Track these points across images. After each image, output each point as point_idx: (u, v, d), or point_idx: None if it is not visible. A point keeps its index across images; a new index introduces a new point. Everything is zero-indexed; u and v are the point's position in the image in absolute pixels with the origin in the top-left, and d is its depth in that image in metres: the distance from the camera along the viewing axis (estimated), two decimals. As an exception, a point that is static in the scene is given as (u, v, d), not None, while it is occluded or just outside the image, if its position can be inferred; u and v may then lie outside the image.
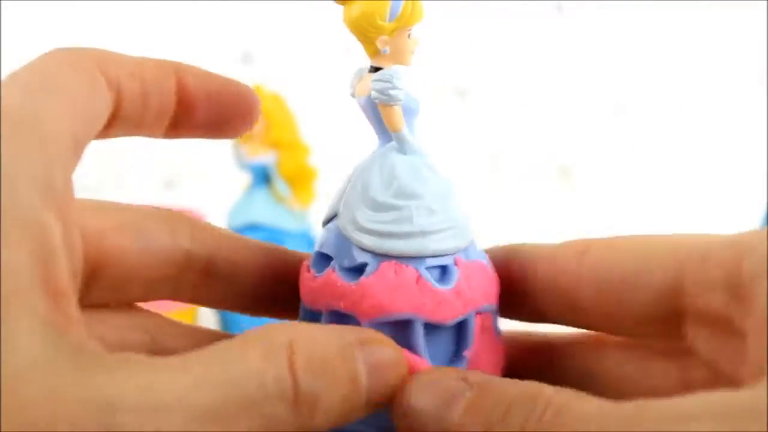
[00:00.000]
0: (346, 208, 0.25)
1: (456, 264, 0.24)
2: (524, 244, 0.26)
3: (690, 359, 0.23)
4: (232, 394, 0.17)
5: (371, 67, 0.26)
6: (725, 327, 0.21)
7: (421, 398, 0.21)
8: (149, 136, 0.25)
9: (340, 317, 0.24)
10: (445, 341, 0.24)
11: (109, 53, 0.24)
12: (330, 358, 0.20)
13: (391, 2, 0.25)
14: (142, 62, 0.24)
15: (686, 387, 0.23)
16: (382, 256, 0.24)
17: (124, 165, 1.07)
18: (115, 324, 0.25)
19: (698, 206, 1.04)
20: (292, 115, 0.72)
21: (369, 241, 0.24)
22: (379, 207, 0.24)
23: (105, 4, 1.05)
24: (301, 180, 0.71)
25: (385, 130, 0.26)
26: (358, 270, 0.24)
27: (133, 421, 0.16)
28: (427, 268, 0.24)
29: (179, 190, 1.06)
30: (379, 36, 0.25)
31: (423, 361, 0.23)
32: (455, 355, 0.24)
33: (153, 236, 0.25)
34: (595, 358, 0.25)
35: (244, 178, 0.74)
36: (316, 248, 0.26)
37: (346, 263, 0.24)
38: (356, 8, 0.25)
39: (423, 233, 0.24)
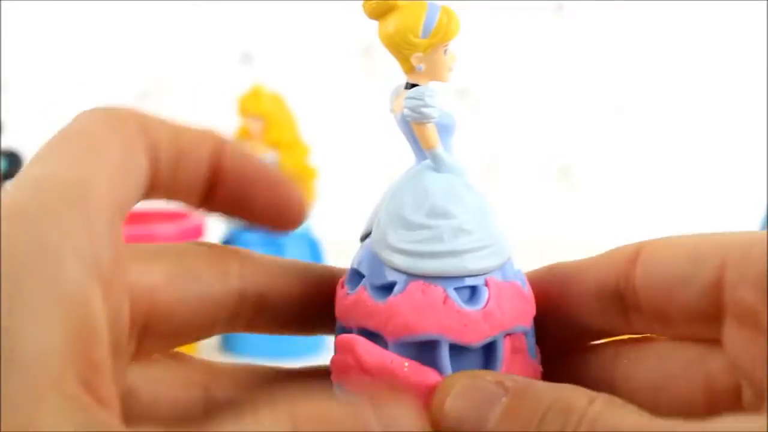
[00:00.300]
0: (378, 227, 0.25)
1: (486, 284, 0.24)
2: (563, 262, 0.26)
3: (714, 364, 0.23)
4: None
5: (407, 83, 0.25)
6: (755, 324, 0.21)
7: (457, 403, 0.21)
8: (187, 205, 0.25)
9: (370, 335, 0.24)
10: (472, 363, 0.24)
11: (150, 117, 0.23)
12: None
13: (425, 18, 0.24)
14: (182, 129, 0.24)
15: (709, 394, 0.23)
16: (412, 276, 0.24)
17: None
18: (167, 382, 0.25)
19: (698, 206, 1.04)
20: (292, 115, 0.72)
21: (399, 261, 0.24)
22: (410, 226, 0.24)
23: (105, 4, 1.05)
24: (301, 180, 0.71)
25: (420, 147, 0.25)
26: (388, 289, 0.24)
27: None
28: (457, 289, 0.24)
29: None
30: (413, 53, 0.24)
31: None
32: None
33: (205, 283, 0.25)
34: (615, 359, 0.25)
35: (244, 178, 0.73)
36: (352, 265, 0.26)
37: (377, 282, 0.24)
38: (391, 25, 0.24)
39: (453, 253, 0.24)
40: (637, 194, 1.08)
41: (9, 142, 0.66)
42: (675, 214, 1.04)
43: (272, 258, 0.27)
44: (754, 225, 0.70)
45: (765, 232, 0.22)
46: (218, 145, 0.24)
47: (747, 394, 0.22)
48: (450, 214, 0.24)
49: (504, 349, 0.24)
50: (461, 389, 0.22)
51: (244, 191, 0.25)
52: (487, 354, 0.24)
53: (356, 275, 0.25)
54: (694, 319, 0.23)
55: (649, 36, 1.09)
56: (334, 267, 0.28)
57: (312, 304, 0.27)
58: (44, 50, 1.05)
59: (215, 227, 0.76)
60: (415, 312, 0.23)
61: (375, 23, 0.25)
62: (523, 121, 1.10)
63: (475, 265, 0.24)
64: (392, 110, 0.26)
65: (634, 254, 0.24)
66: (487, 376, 0.22)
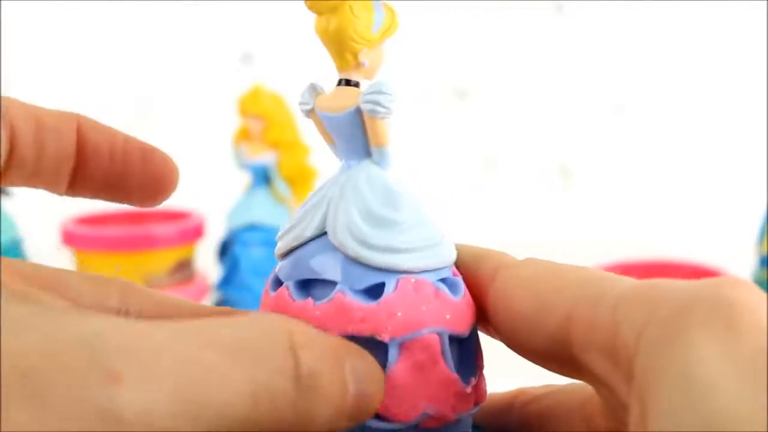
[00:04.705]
0: (342, 228, 0.24)
1: (455, 274, 0.24)
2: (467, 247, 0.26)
3: (593, 408, 0.23)
4: (240, 346, 0.17)
5: (343, 80, 0.25)
6: (610, 391, 0.20)
7: None
8: (51, 190, 0.24)
9: (357, 342, 0.23)
10: (465, 352, 0.24)
11: (3, 97, 0.23)
12: (325, 352, 0.20)
13: (375, 13, 0.24)
14: (38, 108, 0.23)
15: None
16: (397, 273, 0.23)
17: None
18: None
19: (698, 206, 1.04)
20: (292, 115, 0.72)
21: (382, 259, 0.23)
22: (388, 224, 0.23)
23: (105, 5, 1.05)
24: (301, 180, 0.71)
25: (358, 147, 0.25)
26: (372, 290, 0.23)
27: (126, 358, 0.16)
28: (438, 281, 0.24)
29: (179, 190, 1.05)
30: (363, 48, 0.24)
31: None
32: (475, 366, 0.24)
33: (74, 290, 0.22)
34: (515, 399, 0.26)
35: (244, 178, 0.74)
36: (296, 277, 0.24)
37: (358, 285, 0.23)
38: (341, 19, 0.24)
39: (434, 245, 0.24)
40: (637, 194, 1.08)
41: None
42: (675, 213, 1.04)
43: (164, 295, 0.25)
44: (754, 225, 0.70)
45: (614, 284, 0.20)
46: (82, 125, 0.24)
47: None
48: (419, 209, 0.24)
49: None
50: None
51: (114, 168, 0.24)
52: (474, 343, 0.24)
53: (315, 284, 0.24)
54: (548, 360, 0.22)
55: (649, 36, 1.09)
56: (225, 308, 0.26)
57: None
58: (45, 51, 1.05)
59: (215, 227, 0.76)
60: (413, 308, 0.23)
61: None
62: (522, 120, 1.10)
63: (450, 255, 0.24)
64: (311, 110, 0.26)
65: (491, 275, 0.24)
66: None
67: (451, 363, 0.23)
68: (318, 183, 0.74)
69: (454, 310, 0.23)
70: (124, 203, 0.25)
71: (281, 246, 0.25)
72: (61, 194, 0.25)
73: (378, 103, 0.24)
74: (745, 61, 1.07)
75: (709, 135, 1.08)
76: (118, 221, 0.75)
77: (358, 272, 0.23)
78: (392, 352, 0.23)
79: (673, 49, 1.09)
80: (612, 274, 0.21)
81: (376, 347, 0.23)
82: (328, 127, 0.25)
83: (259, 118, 0.70)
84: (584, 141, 1.10)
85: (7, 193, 0.65)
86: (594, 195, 1.09)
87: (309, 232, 0.24)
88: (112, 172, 0.24)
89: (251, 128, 0.71)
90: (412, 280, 0.23)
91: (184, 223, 0.73)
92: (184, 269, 0.71)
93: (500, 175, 1.10)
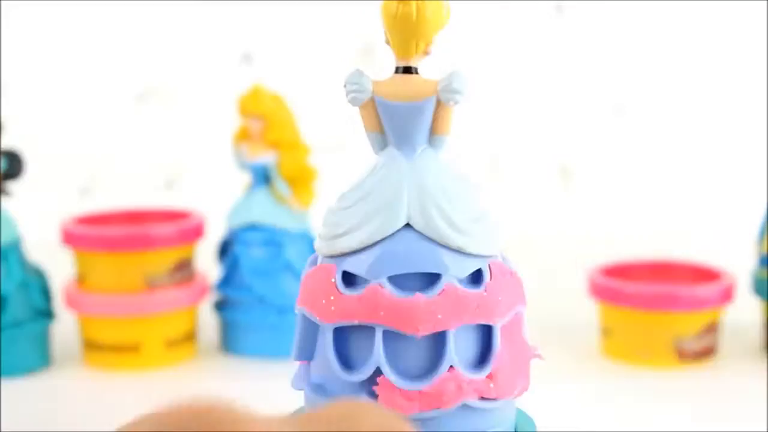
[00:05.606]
0: (438, 219, 0.23)
1: None
2: None
3: None
4: None
5: (401, 67, 0.25)
6: None
7: None
8: None
9: (464, 330, 0.23)
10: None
11: None
12: None
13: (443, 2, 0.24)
14: None
15: None
16: (487, 258, 0.24)
17: (124, 165, 1.07)
18: None
19: (699, 206, 1.04)
20: (292, 115, 0.72)
21: (477, 246, 0.24)
22: (471, 210, 0.24)
23: (105, 4, 1.05)
24: (301, 180, 0.71)
25: (417, 135, 0.24)
26: (472, 277, 0.23)
27: None
28: (504, 260, 0.24)
29: (179, 190, 1.06)
30: (436, 36, 0.25)
31: None
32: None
33: None
34: None
35: (244, 178, 0.73)
36: (390, 272, 0.23)
37: (461, 274, 0.23)
38: (427, 6, 0.24)
39: (497, 228, 0.25)
40: (638, 194, 1.08)
41: (9, 142, 0.66)
42: (675, 213, 1.04)
43: None
44: (754, 225, 0.70)
45: None
46: None
47: None
48: (480, 192, 0.25)
49: None
50: None
51: None
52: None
53: (417, 278, 0.23)
54: None
55: (649, 36, 1.09)
56: None
57: None
58: (44, 51, 1.05)
59: (215, 227, 0.76)
60: (506, 289, 0.24)
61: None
62: (523, 120, 1.10)
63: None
64: (365, 97, 0.25)
65: None
66: None
67: (527, 336, 0.24)
68: (318, 183, 0.74)
69: (520, 285, 0.24)
70: None
71: (349, 244, 0.24)
72: None
73: (457, 92, 0.24)
74: (745, 61, 1.07)
75: (709, 135, 1.08)
76: (118, 221, 0.75)
77: (457, 261, 0.24)
78: (496, 335, 0.23)
79: (673, 49, 1.09)
80: None
81: (479, 331, 0.23)
82: (387, 115, 0.25)
83: (259, 118, 0.70)
84: (584, 141, 1.10)
85: (7, 193, 0.65)
86: (594, 195, 1.09)
87: (393, 226, 0.24)
88: None
89: (251, 128, 0.71)
90: (498, 263, 0.24)
91: (184, 223, 0.73)
92: (184, 269, 0.71)
93: (500, 175, 1.10)
